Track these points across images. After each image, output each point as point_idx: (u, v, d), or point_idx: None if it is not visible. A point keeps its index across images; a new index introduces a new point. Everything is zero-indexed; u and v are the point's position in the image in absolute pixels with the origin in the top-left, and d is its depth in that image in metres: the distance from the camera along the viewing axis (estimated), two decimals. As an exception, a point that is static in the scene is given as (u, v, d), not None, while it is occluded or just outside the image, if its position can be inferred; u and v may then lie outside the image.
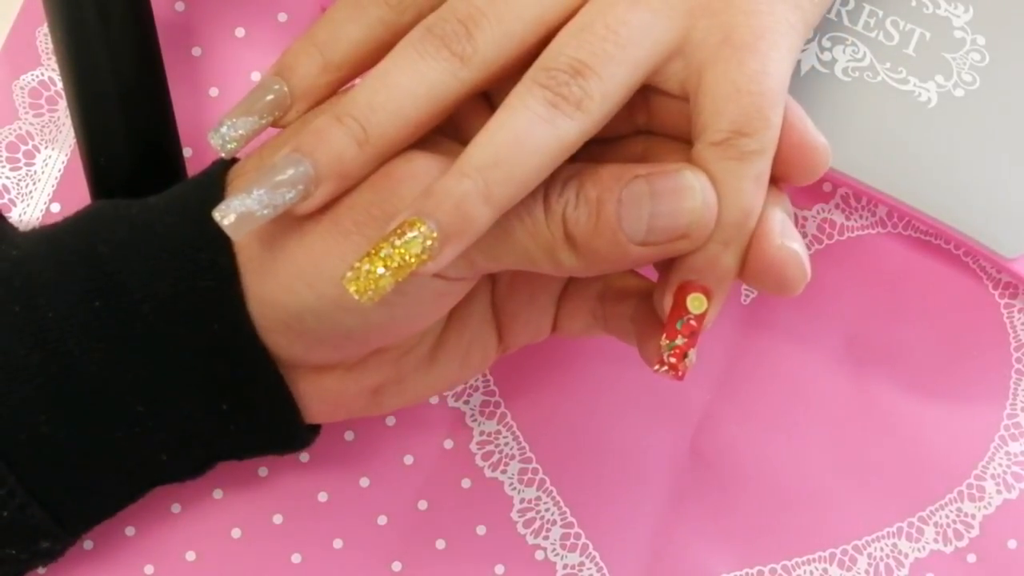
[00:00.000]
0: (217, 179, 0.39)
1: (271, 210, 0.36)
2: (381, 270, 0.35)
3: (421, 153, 0.37)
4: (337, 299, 0.37)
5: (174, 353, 0.39)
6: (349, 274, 0.35)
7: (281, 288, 0.38)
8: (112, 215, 0.40)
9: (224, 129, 0.39)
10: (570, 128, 0.35)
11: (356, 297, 0.35)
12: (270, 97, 0.39)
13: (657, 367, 0.38)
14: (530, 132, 0.35)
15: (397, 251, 0.35)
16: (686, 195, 0.36)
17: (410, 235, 0.35)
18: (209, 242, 0.38)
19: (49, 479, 0.40)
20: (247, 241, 0.38)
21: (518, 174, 0.35)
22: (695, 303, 0.37)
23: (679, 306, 0.37)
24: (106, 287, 0.39)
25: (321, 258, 0.37)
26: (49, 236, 0.40)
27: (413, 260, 0.35)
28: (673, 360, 0.37)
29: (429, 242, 0.35)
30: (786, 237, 0.37)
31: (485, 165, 0.35)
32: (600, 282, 0.42)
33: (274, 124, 0.39)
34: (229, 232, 0.36)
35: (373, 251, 0.35)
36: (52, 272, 0.39)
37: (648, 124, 0.39)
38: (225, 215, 0.36)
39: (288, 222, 0.38)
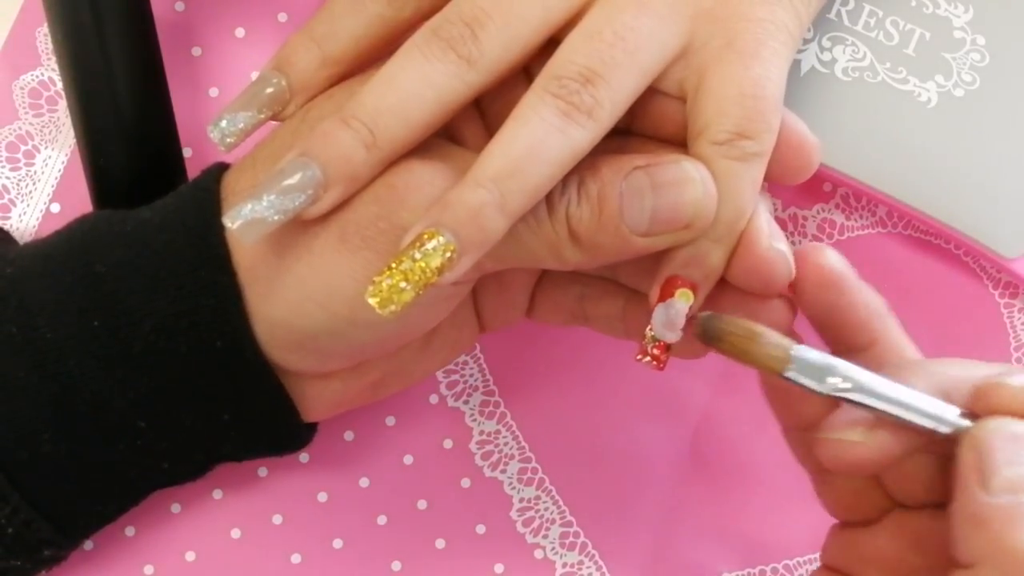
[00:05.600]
0: (212, 192, 0.39)
1: (282, 215, 0.36)
2: (404, 284, 0.35)
3: (420, 162, 0.37)
4: (350, 316, 0.37)
5: (175, 370, 0.39)
6: (371, 289, 0.35)
7: (293, 311, 0.38)
8: (107, 232, 0.39)
9: (224, 123, 0.39)
10: (582, 136, 0.36)
11: (378, 311, 0.35)
12: (269, 91, 0.39)
13: (639, 357, 0.38)
14: (544, 142, 0.35)
15: (418, 264, 0.35)
16: (688, 187, 0.37)
17: (429, 247, 0.35)
18: (208, 260, 0.38)
19: (52, 493, 0.40)
20: (250, 262, 0.38)
21: (532, 183, 0.35)
22: (683, 297, 0.38)
23: (665, 299, 0.38)
24: (105, 306, 0.39)
25: (332, 278, 0.37)
26: (44, 254, 0.40)
27: (433, 272, 0.35)
28: (656, 352, 0.38)
29: (448, 254, 0.35)
30: (774, 238, 0.38)
31: (500, 176, 0.35)
32: (579, 284, 0.43)
33: (273, 118, 0.40)
34: (240, 238, 0.36)
35: (394, 265, 0.35)
36: (49, 293, 0.39)
37: (629, 123, 0.39)
38: (235, 221, 0.36)
39: (292, 242, 0.38)
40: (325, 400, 0.42)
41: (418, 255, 0.35)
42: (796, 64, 0.45)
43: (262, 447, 0.43)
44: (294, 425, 0.42)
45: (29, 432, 0.39)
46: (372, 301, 0.35)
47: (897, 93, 0.46)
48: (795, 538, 0.49)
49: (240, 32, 0.47)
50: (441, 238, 0.35)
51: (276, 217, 0.36)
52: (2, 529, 0.39)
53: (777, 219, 0.48)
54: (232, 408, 0.40)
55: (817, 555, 0.49)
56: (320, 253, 0.37)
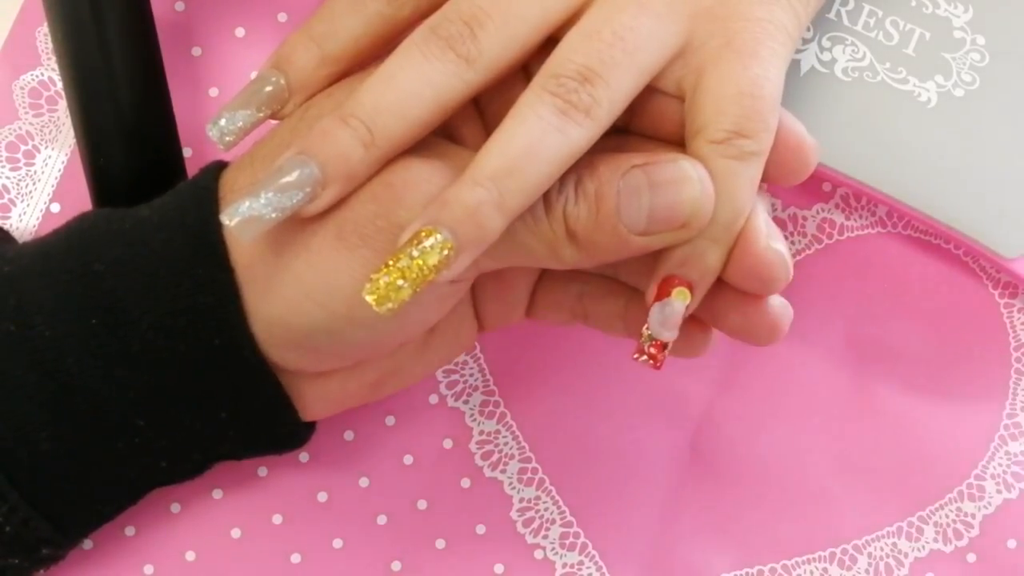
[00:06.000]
0: (210, 190, 0.39)
1: (279, 213, 0.36)
2: (401, 282, 0.35)
3: (418, 160, 0.37)
4: (348, 315, 0.37)
5: (173, 368, 0.39)
6: (368, 286, 0.35)
7: (290, 309, 0.38)
8: (106, 230, 0.39)
9: (223, 122, 0.39)
10: (580, 135, 0.36)
11: (376, 309, 0.35)
12: (268, 89, 0.39)
13: (637, 356, 0.38)
14: (542, 141, 0.35)
15: (415, 262, 0.35)
16: (685, 185, 0.37)
17: (427, 245, 0.35)
18: (206, 258, 0.38)
19: (51, 492, 0.40)
20: (248, 261, 0.38)
21: (530, 182, 0.35)
22: (679, 296, 0.38)
23: (662, 298, 0.38)
24: (103, 305, 0.39)
25: (329, 276, 0.37)
26: (43, 252, 0.40)
27: (431, 270, 0.35)
28: (653, 351, 0.38)
29: (446, 251, 0.35)
30: (772, 238, 0.38)
31: (498, 174, 0.35)
32: (579, 282, 0.43)
33: (272, 116, 0.40)
34: (238, 235, 0.36)
35: (391, 262, 0.35)
36: (48, 291, 0.39)
37: (627, 122, 0.39)
38: (233, 218, 0.36)
39: (290, 240, 0.38)
40: (323, 399, 0.42)
41: (416, 253, 0.35)
42: (796, 64, 0.45)
43: (260, 446, 0.43)
44: (292, 424, 0.42)
45: (27, 430, 0.39)
46: (370, 299, 0.35)
47: (897, 93, 0.46)
48: (794, 538, 0.49)
49: (240, 32, 0.47)
50: (439, 236, 0.35)
51: (274, 215, 0.36)
52: (0, 528, 0.40)
53: (776, 219, 0.48)
54: (230, 406, 0.40)
55: (816, 555, 0.49)
56: (318, 251, 0.37)
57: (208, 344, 0.39)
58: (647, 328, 0.38)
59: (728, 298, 0.39)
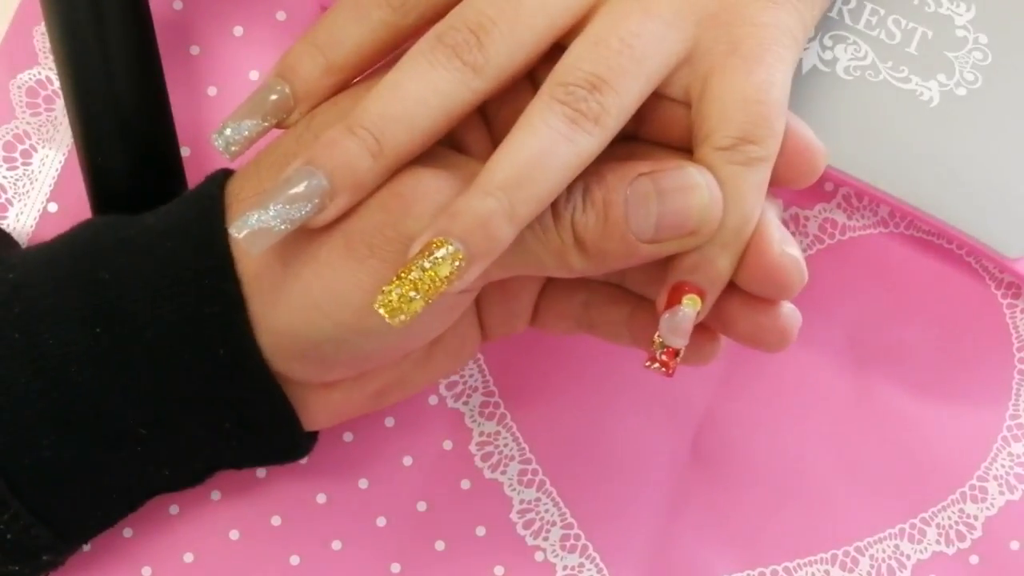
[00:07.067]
0: (216, 199, 0.39)
1: (288, 225, 0.36)
2: (413, 294, 0.35)
3: (427, 170, 0.37)
4: (356, 325, 0.37)
5: (177, 377, 0.39)
6: (380, 299, 0.35)
7: (298, 319, 0.38)
8: (111, 239, 0.39)
9: (228, 132, 0.39)
10: (589, 143, 0.36)
11: (388, 321, 0.35)
12: (273, 98, 0.39)
13: (648, 364, 0.38)
14: (552, 149, 0.35)
15: (427, 274, 0.35)
16: (693, 192, 0.37)
17: (438, 256, 0.35)
18: (212, 268, 0.38)
19: (52, 499, 0.40)
20: (255, 271, 0.38)
21: (540, 191, 0.35)
22: (690, 303, 0.37)
23: (673, 305, 0.38)
24: (107, 313, 0.38)
25: (338, 286, 0.37)
26: (47, 259, 0.40)
27: (443, 282, 0.35)
28: (665, 358, 0.38)
29: (457, 262, 0.35)
30: (786, 244, 0.38)
31: (508, 184, 0.35)
32: (585, 291, 0.43)
33: (278, 126, 0.39)
34: (247, 248, 0.36)
35: (403, 274, 0.35)
36: (52, 298, 0.39)
37: (635, 129, 0.39)
38: (242, 230, 0.36)
39: (298, 251, 0.37)
40: (326, 410, 0.42)
41: (427, 264, 0.35)
42: (797, 63, 0.45)
43: (263, 456, 0.43)
44: (296, 434, 0.42)
45: (30, 438, 0.39)
46: (382, 311, 0.35)
47: (899, 92, 0.46)
48: (795, 540, 0.49)
49: (238, 31, 0.47)
50: (450, 247, 0.34)
51: (282, 226, 0.36)
52: (1, 535, 0.39)
53: (778, 220, 0.48)
54: (234, 416, 0.40)
55: (818, 557, 0.49)
56: (326, 262, 0.37)
57: (213, 354, 0.38)
58: (658, 335, 0.38)
59: (739, 305, 0.39)
